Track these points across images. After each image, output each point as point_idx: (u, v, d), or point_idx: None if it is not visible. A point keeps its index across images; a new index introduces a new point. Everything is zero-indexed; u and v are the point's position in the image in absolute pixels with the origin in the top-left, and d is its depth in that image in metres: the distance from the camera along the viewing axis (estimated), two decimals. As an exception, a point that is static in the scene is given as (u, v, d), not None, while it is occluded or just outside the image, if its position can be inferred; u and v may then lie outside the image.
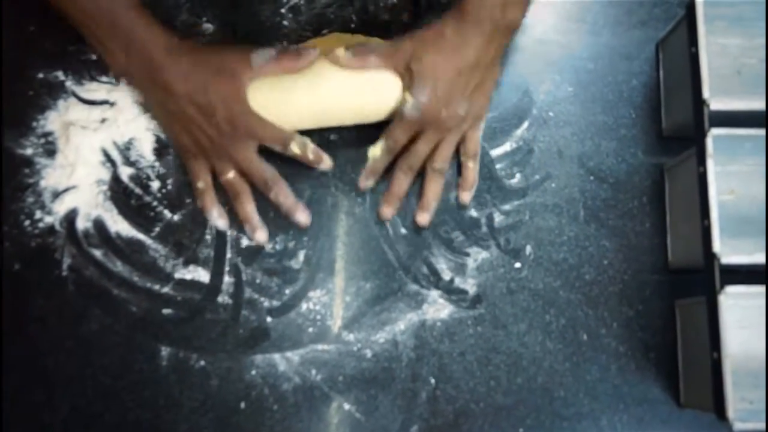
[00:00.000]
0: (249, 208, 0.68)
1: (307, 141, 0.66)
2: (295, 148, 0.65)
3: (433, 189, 0.68)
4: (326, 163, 0.68)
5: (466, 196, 0.70)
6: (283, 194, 0.67)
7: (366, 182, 0.69)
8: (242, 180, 0.67)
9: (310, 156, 0.66)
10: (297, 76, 0.65)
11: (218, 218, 0.69)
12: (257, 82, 0.64)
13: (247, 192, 0.68)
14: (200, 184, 0.68)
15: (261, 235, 0.68)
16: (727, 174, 0.66)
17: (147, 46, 0.61)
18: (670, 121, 0.72)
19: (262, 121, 0.64)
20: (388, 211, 0.69)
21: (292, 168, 0.70)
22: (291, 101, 0.65)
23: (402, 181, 0.68)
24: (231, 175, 0.67)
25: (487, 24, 0.61)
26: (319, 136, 0.71)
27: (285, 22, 0.74)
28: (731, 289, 0.58)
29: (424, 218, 0.69)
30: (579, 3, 0.76)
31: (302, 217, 0.68)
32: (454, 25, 0.62)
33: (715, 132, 0.61)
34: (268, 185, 0.67)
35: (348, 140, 0.71)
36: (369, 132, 0.70)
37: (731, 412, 0.57)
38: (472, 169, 0.69)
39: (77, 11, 0.61)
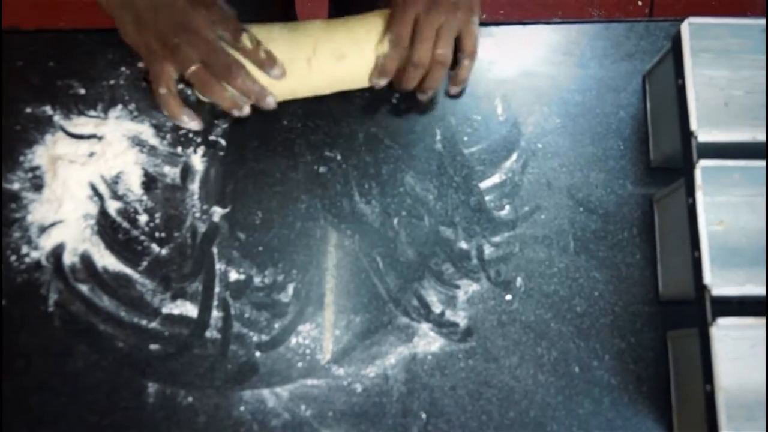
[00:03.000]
0: (221, 91, 0.65)
1: (261, 41, 0.65)
2: (246, 42, 0.64)
3: (435, 76, 0.68)
4: (278, 68, 0.66)
5: (455, 90, 0.73)
6: (250, 80, 0.65)
7: (379, 80, 0.68)
8: (206, 71, 0.63)
9: (261, 54, 0.65)
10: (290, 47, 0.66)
11: (189, 121, 0.67)
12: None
13: (214, 80, 0.64)
14: (162, 90, 0.64)
15: (246, 110, 0.67)
16: (716, 205, 0.66)
17: None
18: (658, 153, 0.72)
19: (218, 4, 0.64)
20: (413, 82, 0.69)
21: (280, 200, 0.69)
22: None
23: (413, 77, 0.68)
24: (194, 66, 0.63)
25: None
26: (305, 168, 0.71)
27: None
28: (723, 321, 0.58)
29: (423, 98, 0.71)
30: (566, 36, 0.76)
31: (270, 103, 0.66)
32: None
33: (703, 163, 0.61)
34: (233, 71, 0.63)
35: (337, 172, 0.71)
36: (357, 164, 0.71)
37: (725, 445, 0.56)
38: (466, 67, 0.70)
39: None
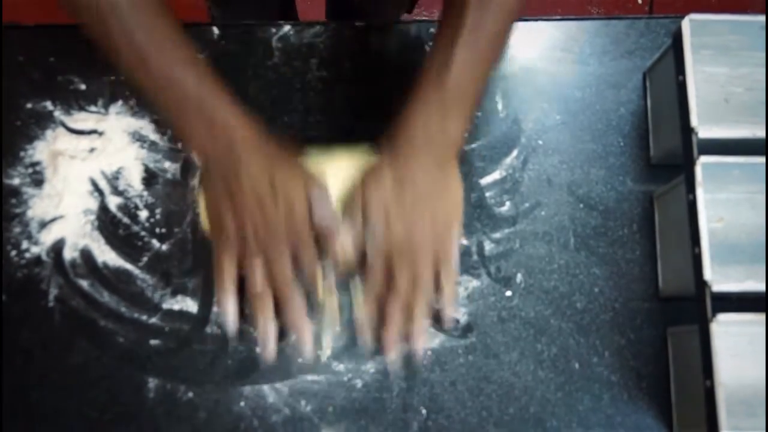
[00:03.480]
0: (269, 327, 0.59)
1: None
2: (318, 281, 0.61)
3: (418, 314, 0.59)
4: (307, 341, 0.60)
5: (449, 314, 0.62)
6: (298, 317, 0.59)
7: (365, 340, 0.61)
8: (269, 296, 0.59)
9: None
10: None
11: (232, 322, 0.60)
12: None
13: (270, 309, 0.59)
14: (227, 283, 0.59)
15: (270, 352, 0.59)
16: (716, 202, 0.66)
17: (232, 129, 0.58)
18: (658, 149, 0.72)
19: (311, 243, 0.59)
20: (392, 345, 0.60)
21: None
22: None
23: (396, 314, 0.59)
24: (260, 286, 0.58)
25: (424, 150, 0.59)
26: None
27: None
28: (723, 317, 0.58)
29: (417, 353, 0.61)
30: (567, 33, 0.77)
31: (307, 346, 0.60)
32: (389, 157, 0.60)
33: (704, 160, 0.61)
34: (289, 299, 0.59)
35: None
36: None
37: (725, 439, 0.57)
38: (448, 290, 0.60)
39: (161, 95, 0.58)
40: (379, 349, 0.60)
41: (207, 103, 0.57)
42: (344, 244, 0.60)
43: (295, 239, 0.57)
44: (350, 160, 0.63)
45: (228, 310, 0.59)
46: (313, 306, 0.63)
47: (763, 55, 0.69)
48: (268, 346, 0.59)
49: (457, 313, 0.67)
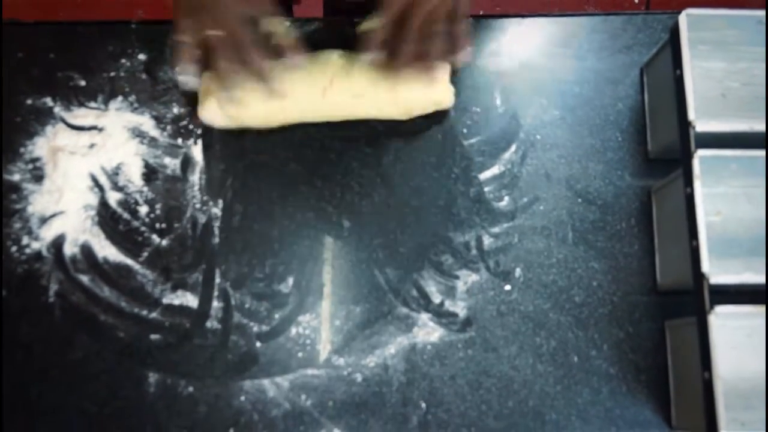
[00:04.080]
0: (229, 65, 0.64)
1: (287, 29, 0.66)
2: (276, 26, 0.64)
3: (434, 50, 0.66)
4: (297, 59, 0.66)
5: (465, 57, 0.69)
6: (259, 57, 0.64)
7: (368, 55, 0.66)
8: (226, 40, 0.63)
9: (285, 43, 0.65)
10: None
11: (190, 71, 0.66)
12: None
13: (229, 49, 0.64)
14: (184, 37, 0.64)
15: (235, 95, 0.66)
16: (714, 196, 0.67)
17: None
18: (656, 144, 0.72)
19: None
20: (403, 63, 0.67)
21: (280, 191, 0.70)
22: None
23: (406, 51, 0.66)
24: (217, 32, 0.63)
25: None
26: (305, 160, 0.71)
27: None
28: (721, 309, 0.58)
29: (429, 76, 0.69)
30: (565, 29, 0.77)
31: (275, 84, 0.66)
32: None
33: (701, 153, 0.61)
34: (245, 46, 0.63)
35: (337, 164, 0.72)
36: (357, 155, 0.71)
37: (723, 431, 0.57)
38: (462, 32, 0.67)
39: None
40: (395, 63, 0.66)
41: None
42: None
43: None
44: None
45: (188, 64, 0.65)
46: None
47: (761, 49, 0.69)
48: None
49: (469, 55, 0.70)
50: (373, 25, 0.65)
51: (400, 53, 0.66)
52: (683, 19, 0.64)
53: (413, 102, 0.70)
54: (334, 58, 0.69)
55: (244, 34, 0.63)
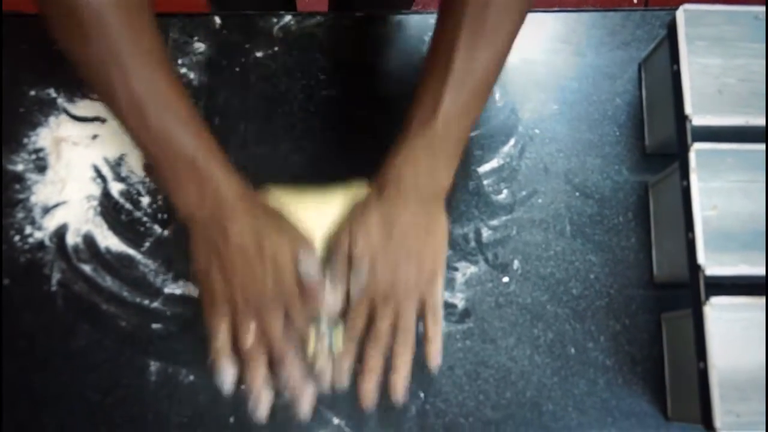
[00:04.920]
0: (261, 383, 0.59)
1: (332, 342, 0.61)
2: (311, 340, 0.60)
3: (400, 353, 0.60)
4: (342, 378, 0.60)
5: (434, 360, 0.61)
6: (295, 377, 0.59)
7: (341, 379, 0.61)
8: (261, 353, 0.59)
9: (322, 355, 0.60)
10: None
11: (229, 383, 0.59)
12: None
13: (263, 367, 0.59)
14: (218, 343, 0.59)
15: (262, 413, 0.59)
16: (710, 190, 0.68)
17: (222, 188, 0.58)
18: (653, 139, 0.73)
19: (299, 301, 0.59)
20: (368, 393, 0.60)
21: (281, 184, 0.70)
22: None
23: (373, 356, 0.60)
24: (250, 341, 0.58)
25: (411, 194, 0.59)
26: (305, 152, 0.71)
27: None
28: (716, 300, 0.59)
29: (397, 399, 0.60)
30: (564, 24, 0.78)
31: (305, 406, 0.60)
32: (376, 200, 0.60)
33: (698, 146, 0.62)
34: (286, 360, 0.59)
35: (338, 157, 0.72)
36: (357, 148, 0.72)
37: (718, 422, 0.57)
38: (433, 331, 0.61)
39: (155, 149, 0.57)
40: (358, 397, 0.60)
41: (200, 162, 0.57)
42: (329, 299, 0.60)
43: (285, 298, 0.58)
44: (337, 197, 0.63)
45: (224, 371, 0.59)
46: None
47: (758, 46, 0.70)
48: (260, 408, 0.59)
49: (438, 361, 0.62)
50: (340, 344, 0.61)
51: (367, 361, 0.60)
52: (680, 14, 0.65)
53: None
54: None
55: (284, 346, 0.59)
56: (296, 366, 0.59)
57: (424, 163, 0.59)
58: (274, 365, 0.59)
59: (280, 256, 0.58)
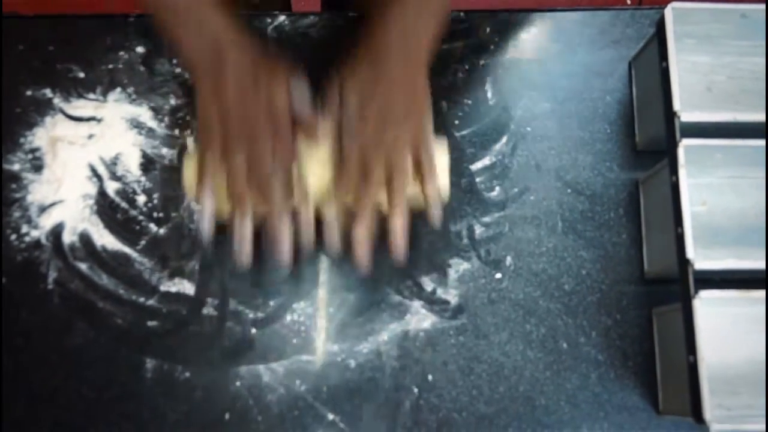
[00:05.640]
0: (245, 198, 0.60)
1: (306, 182, 0.63)
2: (293, 172, 0.61)
3: (395, 187, 0.61)
4: (307, 210, 0.63)
5: (435, 215, 0.63)
6: (277, 212, 0.60)
7: (333, 247, 0.63)
8: (247, 171, 0.60)
9: (295, 197, 0.62)
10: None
11: (208, 216, 0.61)
12: None
13: (249, 184, 0.60)
14: (207, 178, 0.61)
15: (244, 258, 0.62)
16: (699, 186, 0.68)
17: (218, 30, 0.61)
18: (644, 136, 0.74)
19: (289, 129, 0.61)
20: (361, 250, 0.62)
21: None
22: None
23: (368, 207, 0.61)
24: (239, 158, 0.59)
25: (400, 53, 0.62)
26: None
27: None
28: (705, 294, 0.60)
29: (399, 256, 0.62)
30: (555, 23, 0.79)
31: (284, 246, 0.61)
32: (367, 59, 0.63)
33: (686, 142, 0.63)
34: (267, 188, 0.60)
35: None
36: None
37: (708, 414, 0.58)
38: (430, 184, 0.63)
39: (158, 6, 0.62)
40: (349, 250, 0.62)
41: (197, 7, 0.61)
42: (323, 129, 0.63)
43: (275, 127, 0.60)
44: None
45: (205, 204, 0.61)
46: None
47: (746, 43, 0.71)
48: (244, 247, 0.61)
49: (440, 210, 0.63)
50: (332, 212, 0.63)
51: (361, 201, 0.62)
52: (669, 12, 0.66)
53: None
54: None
55: (268, 174, 0.60)
56: (281, 199, 0.60)
57: (411, 20, 0.63)
58: (256, 182, 0.60)
59: (273, 87, 0.61)
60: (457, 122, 0.74)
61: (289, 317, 0.69)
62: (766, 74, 0.71)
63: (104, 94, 0.74)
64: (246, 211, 0.61)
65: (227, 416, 0.66)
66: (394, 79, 0.62)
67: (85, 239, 0.70)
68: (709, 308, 0.60)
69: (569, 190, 0.73)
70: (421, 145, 0.63)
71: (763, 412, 0.61)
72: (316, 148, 0.64)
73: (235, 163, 0.60)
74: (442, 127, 0.74)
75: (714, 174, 0.68)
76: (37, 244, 0.69)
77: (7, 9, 0.78)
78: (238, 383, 0.67)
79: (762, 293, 0.61)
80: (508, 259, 0.71)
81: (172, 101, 0.74)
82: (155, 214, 0.71)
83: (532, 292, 0.70)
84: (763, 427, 0.59)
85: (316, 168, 0.64)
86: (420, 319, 0.69)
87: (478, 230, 0.72)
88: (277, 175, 0.60)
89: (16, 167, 0.71)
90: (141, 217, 0.71)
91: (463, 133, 0.74)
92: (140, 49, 0.75)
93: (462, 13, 0.78)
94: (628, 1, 1.77)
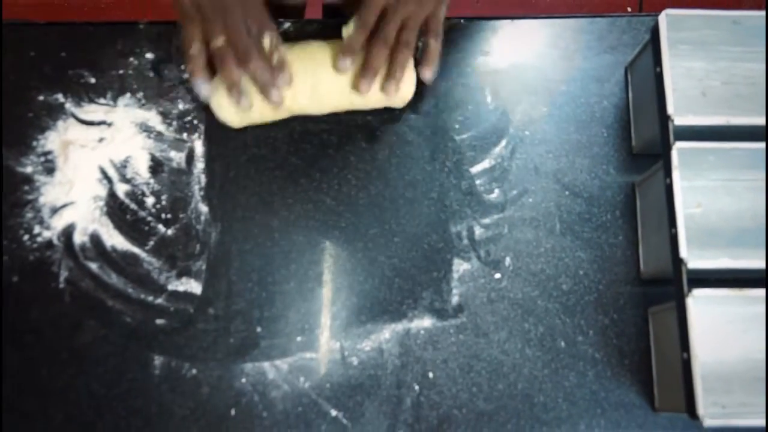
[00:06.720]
0: (236, 74, 0.68)
1: (280, 45, 0.70)
2: (266, 41, 0.68)
3: (400, 59, 0.71)
4: (285, 74, 0.70)
5: (428, 73, 0.74)
6: (262, 67, 0.68)
7: (343, 61, 0.71)
8: (229, 49, 0.67)
9: (274, 59, 0.69)
10: (298, 66, 0.71)
11: (202, 83, 0.70)
12: None
13: (233, 60, 0.68)
14: (192, 50, 0.69)
15: (244, 102, 0.70)
16: (694, 188, 0.70)
17: None
18: (640, 140, 0.75)
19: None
20: (365, 84, 0.71)
21: (280, 183, 0.73)
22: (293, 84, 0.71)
23: (377, 54, 0.71)
24: (221, 42, 0.67)
25: None
26: (304, 154, 0.74)
27: None
28: (698, 292, 0.61)
29: (389, 89, 0.72)
30: (553, 30, 0.80)
31: (275, 96, 0.70)
32: None
33: (679, 145, 0.64)
34: (249, 55, 0.67)
35: (335, 158, 0.75)
36: (354, 150, 0.74)
37: (701, 410, 0.59)
38: (433, 48, 0.73)
39: None
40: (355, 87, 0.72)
41: None
42: None
43: (244, 3, 0.66)
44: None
45: (198, 75, 0.69)
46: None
47: (739, 49, 0.73)
48: (242, 99, 0.70)
49: (430, 76, 0.75)
50: (350, 30, 0.71)
51: (371, 56, 0.71)
52: (663, 18, 0.68)
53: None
54: (319, 48, 0.73)
55: (248, 43, 0.67)
56: (261, 60, 0.68)
57: None
58: (241, 64, 0.68)
59: None
60: (457, 126, 0.76)
61: (293, 316, 0.70)
62: (766, 78, 0.72)
63: (114, 99, 0.76)
64: (231, 69, 0.68)
65: (233, 412, 0.68)
66: None
67: (96, 239, 0.72)
68: (703, 306, 0.62)
69: (567, 193, 0.75)
70: (433, 21, 0.72)
71: (757, 410, 0.63)
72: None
73: (218, 45, 0.67)
74: (442, 131, 0.76)
75: (708, 177, 0.70)
76: (49, 244, 0.71)
77: (17, 16, 0.80)
78: (243, 380, 0.69)
79: (756, 292, 0.62)
80: (507, 260, 0.73)
81: (180, 106, 0.76)
82: (163, 216, 0.73)
83: (531, 292, 0.72)
84: (756, 422, 0.60)
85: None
86: (421, 318, 0.71)
87: (478, 231, 0.73)
88: (255, 45, 0.68)
89: (28, 170, 0.73)
90: (149, 219, 0.73)
91: (464, 136, 0.76)
92: (149, 56, 0.77)
93: (462, 20, 0.80)
94: (629, 9, 1.79)
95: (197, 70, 0.69)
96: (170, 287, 0.71)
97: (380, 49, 0.70)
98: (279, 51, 0.69)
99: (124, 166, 0.74)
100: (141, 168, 0.74)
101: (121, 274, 0.71)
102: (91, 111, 0.75)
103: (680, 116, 0.66)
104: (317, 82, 0.72)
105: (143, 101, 0.76)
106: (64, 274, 0.71)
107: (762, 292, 0.62)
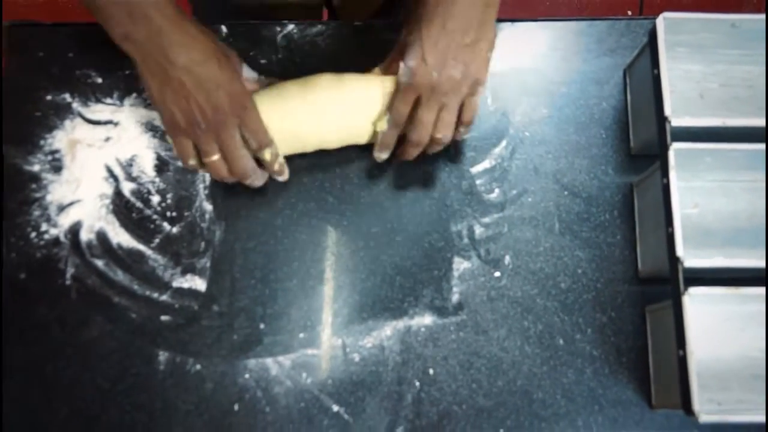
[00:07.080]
0: (231, 180, 0.69)
1: (279, 154, 0.70)
2: (266, 155, 0.68)
3: (433, 150, 0.71)
4: (284, 176, 0.72)
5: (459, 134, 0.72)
6: (258, 181, 0.70)
7: (380, 154, 0.72)
8: (224, 163, 0.67)
9: (275, 167, 0.70)
10: (297, 103, 0.69)
11: (254, 180, 0.70)
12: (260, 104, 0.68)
13: (228, 174, 0.68)
14: (191, 162, 0.67)
15: (257, 183, 0.71)
16: (691, 189, 0.71)
17: (151, 11, 0.58)
18: (638, 141, 0.76)
19: (257, 110, 0.66)
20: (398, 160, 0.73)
21: (284, 182, 0.74)
22: (291, 126, 0.69)
23: (411, 153, 0.71)
24: (215, 157, 0.66)
25: (465, 5, 0.63)
26: (307, 154, 0.75)
27: None
28: (695, 290, 0.62)
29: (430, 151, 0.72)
30: (553, 33, 0.81)
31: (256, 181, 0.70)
32: (440, 11, 0.63)
33: (676, 146, 0.65)
34: (246, 175, 0.68)
35: (338, 157, 0.76)
36: (356, 149, 0.75)
37: (697, 406, 0.60)
38: (461, 133, 0.71)
39: None
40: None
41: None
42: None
43: (240, 116, 0.64)
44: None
45: (236, 179, 0.69)
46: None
47: (736, 52, 0.73)
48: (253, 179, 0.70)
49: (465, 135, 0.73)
50: (384, 127, 0.70)
51: (404, 153, 0.72)
52: (660, 22, 0.69)
53: None
54: (323, 83, 0.70)
55: (245, 163, 0.67)
56: (257, 173, 0.69)
57: None
58: (237, 177, 0.68)
59: (227, 69, 0.63)
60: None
61: (296, 313, 0.71)
62: (766, 80, 0.73)
63: (121, 99, 0.77)
64: (225, 178, 0.68)
65: (236, 407, 0.69)
66: (464, 36, 0.64)
67: (102, 237, 0.73)
68: (699, 304, 0.63)
69: (566, 193, 0.76)
70: (470, 100, 0.68)
71: (753, 406, 0.63)
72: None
73: (212, 160, 0.66)
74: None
75: (705, 177, 0.71)
76: (56, 241, 0.72)
77: (25, 17, 0.82)
78: (246, 376, 0.70)
79: (751, 290, 0.63)
80: (507, 259, 0.74)
81: (186, 106, 0.77)
82: (168, 214, 0.74)
83: (530, 290, 0.73)
84: (752, 418, 0.61)
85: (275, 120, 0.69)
86: (421, 315, 0.72)
87: (478, 230, 0.74)
88: (252, 160, 0.68)
89: (36, 168, 0.74)
90: (155, 216, 0.74)
91: (464, 137, 0.77)
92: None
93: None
94: (629, 12, 1.80)
95: (231, 177, 0.69)
96: (175, 284, 0.72)
97: (414, 149, 0.71)
98: (279, 160, 0.70)
99: (130, 165, 0.75)
100: (147, 167, 0.75)
101: (127, 271, 0.72)
102: (98, 111, 0.76)
103: (677, 117, 0.67)
104: (349, 124, 0.71)
105: (149, 101, 0.77)
106: (70, 271, 0.72)
107: (757, 290, 0.63)
